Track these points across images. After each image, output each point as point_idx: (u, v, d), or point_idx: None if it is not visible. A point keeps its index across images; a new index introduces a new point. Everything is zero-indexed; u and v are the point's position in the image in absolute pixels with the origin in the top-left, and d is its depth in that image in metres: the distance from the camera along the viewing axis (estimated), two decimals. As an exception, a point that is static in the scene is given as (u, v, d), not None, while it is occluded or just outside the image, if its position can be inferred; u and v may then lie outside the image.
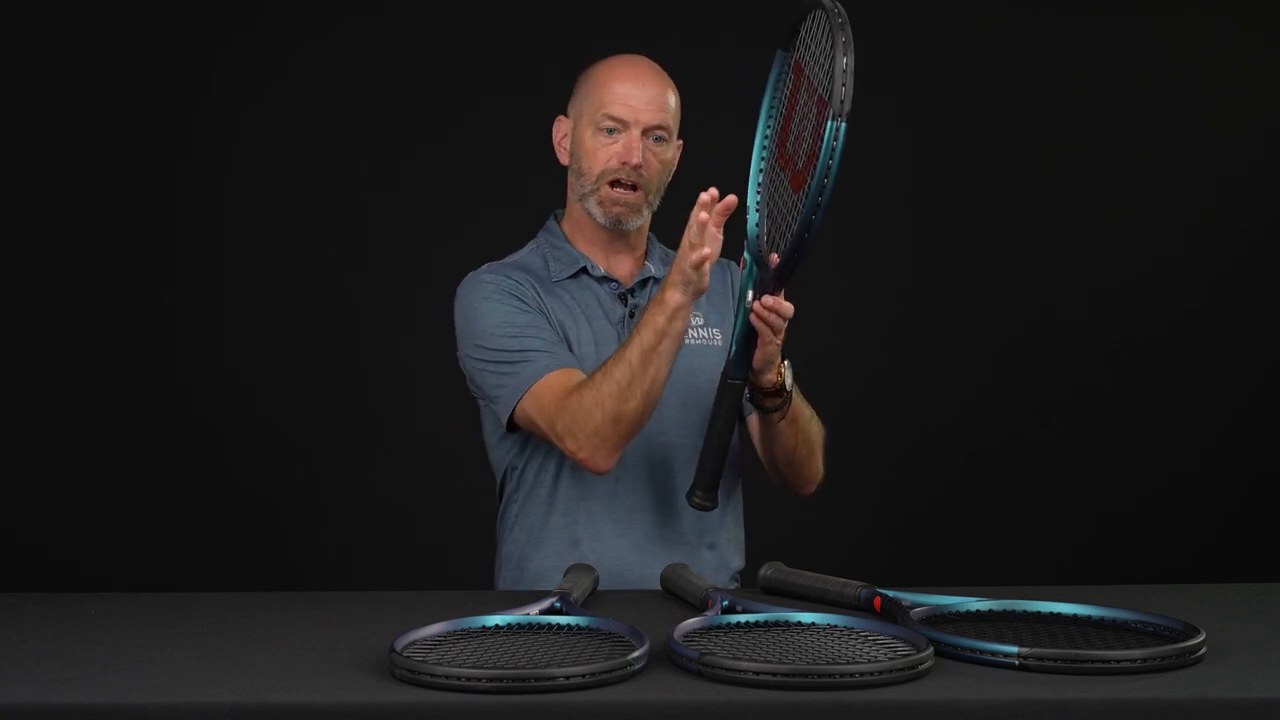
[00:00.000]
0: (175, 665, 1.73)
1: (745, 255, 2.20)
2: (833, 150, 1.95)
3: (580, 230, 2.52)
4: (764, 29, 4.15)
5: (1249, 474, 4.14)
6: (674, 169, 2.52)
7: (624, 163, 2.41)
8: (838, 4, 2.02)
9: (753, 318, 2.16)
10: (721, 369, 2.25)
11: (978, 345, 4.13)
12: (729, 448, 2.26)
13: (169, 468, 4.09)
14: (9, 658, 1.78)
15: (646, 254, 2.55)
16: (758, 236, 2.20)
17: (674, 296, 2.22)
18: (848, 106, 1.95)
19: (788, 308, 2.17)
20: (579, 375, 2.37)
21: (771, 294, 2.15)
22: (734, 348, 2.21)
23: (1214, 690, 1.58)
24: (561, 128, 2.52)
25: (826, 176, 1.96)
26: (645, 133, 2.42)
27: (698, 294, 2.22)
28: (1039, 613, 1.85)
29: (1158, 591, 2.20)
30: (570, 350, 2.44)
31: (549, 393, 2.35)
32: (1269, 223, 4.13)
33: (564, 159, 2.52)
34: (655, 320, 2.24)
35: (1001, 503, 4.14)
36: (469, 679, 1.55)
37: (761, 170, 2.24)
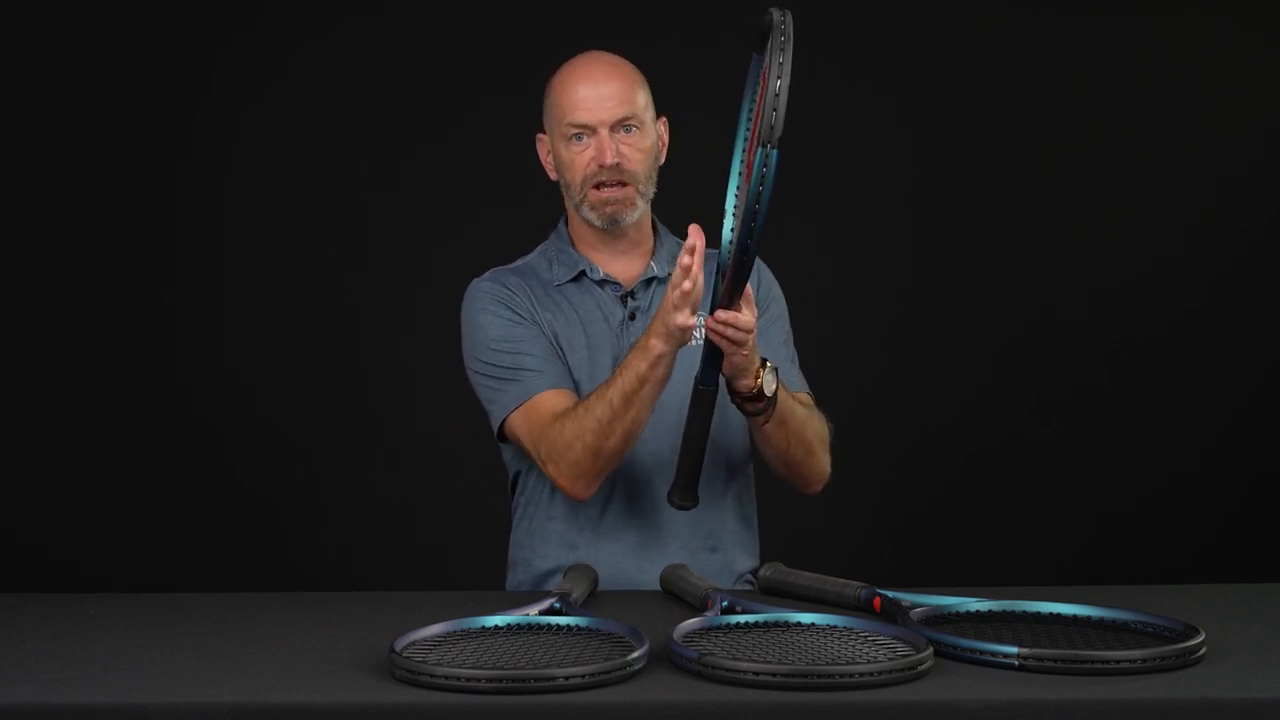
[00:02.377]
0: (175, 665, 1.73)
1: (719, 260, 2.19)
2: (763, 176, 1.91)
3: (582, 236, 2.52)
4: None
5: (1249, 474, 4.14)
6: (664, 149, 2.50)
7: (600, 165, 2.40)
8: (787, 18, 1.96)
9: (706, 331, 2.15)
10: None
11: (978, 345, 4.13)
12: (704, 450, 2.23)
13: (169, 468, 4.09)
14: (9, 658, 1.78)
15: (654, 249, 2.54)
16: (730, 243, 2.17)
17: (656, 345, 2.22)
18: (778, 132, 1.89)
19: (745, 321, 2.13)
20: (567, 397, 2.38)
21: (725, 308, 2.12)
22: (701, 355, 2.19)
23: (1214, 690, 1.58)
24: (543, 146, 2.52)
25: (758, 203, 1.92)
26: (614, 129, 2.41)
27: (682, 343, 2.21)
28: (1039, 613, 1.85)
29: (1158, 591, 2.20)
30: (564, 361, 2.45)
31: (535, 415, 2.38)
32: (1269, 223, 4.12)
33: (553, 175, 2.52)
34: (638, 365, 2.25)
35: (1002, 503, 4.14)
36: (469, 679, 1.55)
37: (740, 173, 2.22)
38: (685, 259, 2.11)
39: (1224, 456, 4.14)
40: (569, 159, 2.43)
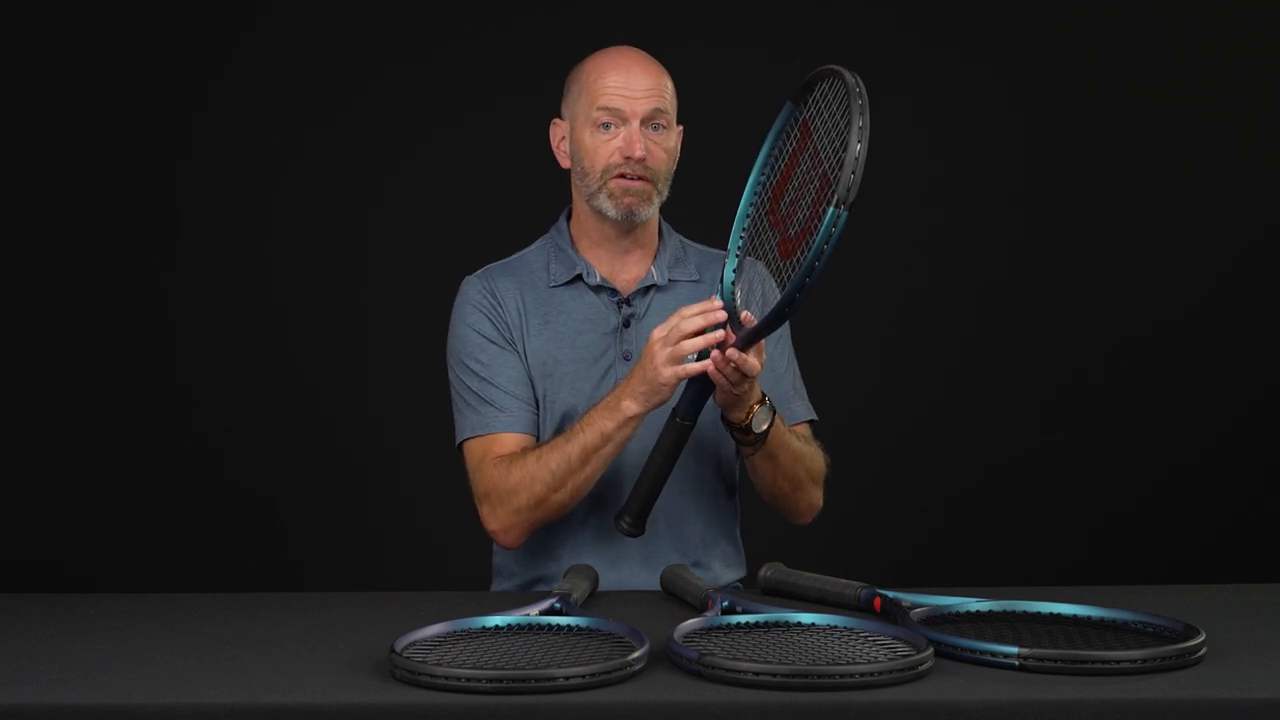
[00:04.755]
0: (175, 665, 1.73)
1: (717, 298, 2.14)
2: (830, 236, 1.90)
3: (587, 232, 2.47)
4: (766, 32, 4.16)
5: (1249, 474, 4.14)
6: (678, 155, 2.48)
7: (627, 157, 2.36)
8: (860, 83, 1.95)
9: (709, 368, 2.11)
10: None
11: (979, 348, 4.13)
12: (664, 483, 2.20)
13: (169, 468, 4.09)
14: (9, 658, 1.78)
15: (657, 254, 2.50)
16: (733, 283, 2.14)
17: (630, 407, 2.21)
18: (853, 196, 1.89)
19: (753, 365, 2.10)
20: (520, 441, 2.37)
21: (738, 348, 2.09)
22: (688, 387, 2.15)
23: (1214, 690, 1.57)
24: (558, 131, 2.48)
25: (819, 260, 1.91)
26: (644, 123, 2.38)
27: (659, 405, 2.20)
28: (1039, 613, 1.85)
29: (1157, 591, 2.20)
30: (534, 391, 2.42)
31: (485, 452, 2.37)
32: (1269, 223, 4.13)
33: (564, 162, 2.48)
34: (604, 424, 2.23)
35: (1002, 503, 4.14)
36: (469, 680, 1.55)
37: (749, 216, 2.19)
38: (700, 320, 2.10)
39: (1224, 457, 4.14)
40: (593, 146, 2.39)
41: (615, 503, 2.38)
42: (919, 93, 4.11)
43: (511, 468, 2.31)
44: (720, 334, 2.12)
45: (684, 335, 2.12)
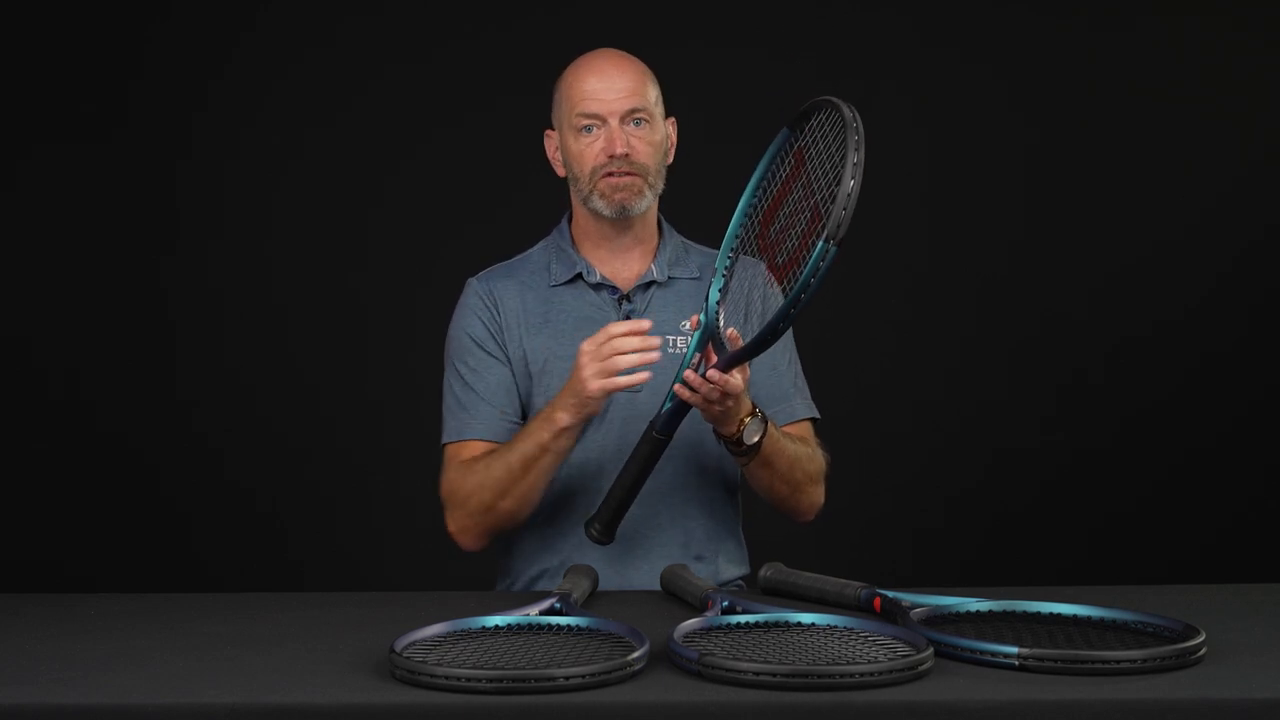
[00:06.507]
0: (175, 665, 1.73)
1: (700, 317, 2.14)
2: (818, 269, 1.90)
3: (587, 234, 2.50)
4: (766, 32, 4.15)
5: (1249, 474, 4.14)
6: (673, 148, 2.50)
7: (610, 155, 2.40)
8: (857, 118, 1.95)
9: (678, 387, 2.11)
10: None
11: (979, 349, 4.13)
12: (636, 495, 2.21)
13: (168, 469, 4.08)
14: (9, 658, 1.78)
15: (657, 250, 2.52)
16: (718, 303, 2.14)
17: (562, 418, 2.23)
18: (844, 231, 1.90)
19: (735, 385, 2.11)
20: (486, 449, 2.40)
21: (719, 370, 2.09)
22: (667, 403, 2.14)
23: (1214, 690, 1.57)
24: (552, 142, 2.52)
25: (804, 292, 1.92)
26: (623, 121, 2.41)
27: (590, 416, 2.23)
28: (1039, 613, 1.85)
29: (1157, 591, 2.20)
30: (521, 397, 2.44)
31: (452, 456, 2.42)
32: (1269, 223, 4.12)
33: (560, 171, 2.51)
34: (540, 435, 2.26)
35: (1002, 504, 4.14)
36: (469, 680, 1.55)
37: (738, 238, 2.20)
38: (635, 339, 2.13)
39: (1224, 457, 4.14)
40: (578, 151, 2.43)
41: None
42: (919, 93, 4.11)
43: (467, 474, 2.37)
44: (655, 355, 2.16)
45: (615, 352, 2.15)
